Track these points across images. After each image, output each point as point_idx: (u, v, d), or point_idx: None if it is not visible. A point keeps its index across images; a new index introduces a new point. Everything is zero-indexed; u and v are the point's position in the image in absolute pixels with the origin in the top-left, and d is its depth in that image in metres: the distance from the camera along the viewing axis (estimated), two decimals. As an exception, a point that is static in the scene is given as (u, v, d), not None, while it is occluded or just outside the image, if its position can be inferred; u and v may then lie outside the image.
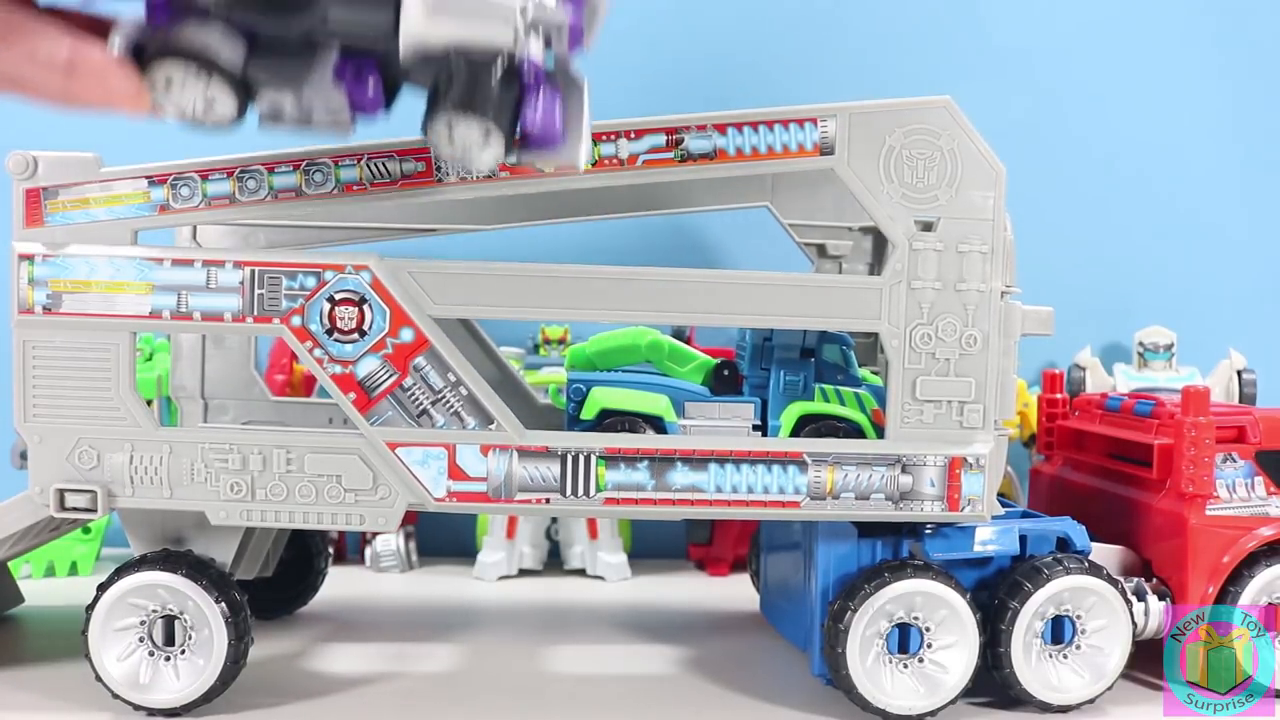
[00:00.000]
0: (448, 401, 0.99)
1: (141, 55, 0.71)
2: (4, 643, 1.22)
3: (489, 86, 0.76)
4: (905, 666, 1.03)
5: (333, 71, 0.76)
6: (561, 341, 1.62)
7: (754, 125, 1.00)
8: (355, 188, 1.00)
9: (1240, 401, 1.65)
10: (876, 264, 1.27)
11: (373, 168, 0.99)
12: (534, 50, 0.77)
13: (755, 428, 1.10)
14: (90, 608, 0.99)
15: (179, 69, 0.72)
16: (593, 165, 0.87)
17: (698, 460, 1.01)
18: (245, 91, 0.75)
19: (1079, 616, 1.06)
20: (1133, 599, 1.09)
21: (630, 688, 1.13)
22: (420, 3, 0.73)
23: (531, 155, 0.82)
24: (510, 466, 0.99)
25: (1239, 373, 1.68)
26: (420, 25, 0.73)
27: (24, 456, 1.02)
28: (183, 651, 0.99)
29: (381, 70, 0.78)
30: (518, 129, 0.79)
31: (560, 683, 1.15)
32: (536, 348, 1.63)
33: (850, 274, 1.32)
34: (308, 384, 1.56)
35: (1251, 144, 1.85)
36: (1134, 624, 1.07)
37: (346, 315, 0.97)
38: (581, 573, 1.57)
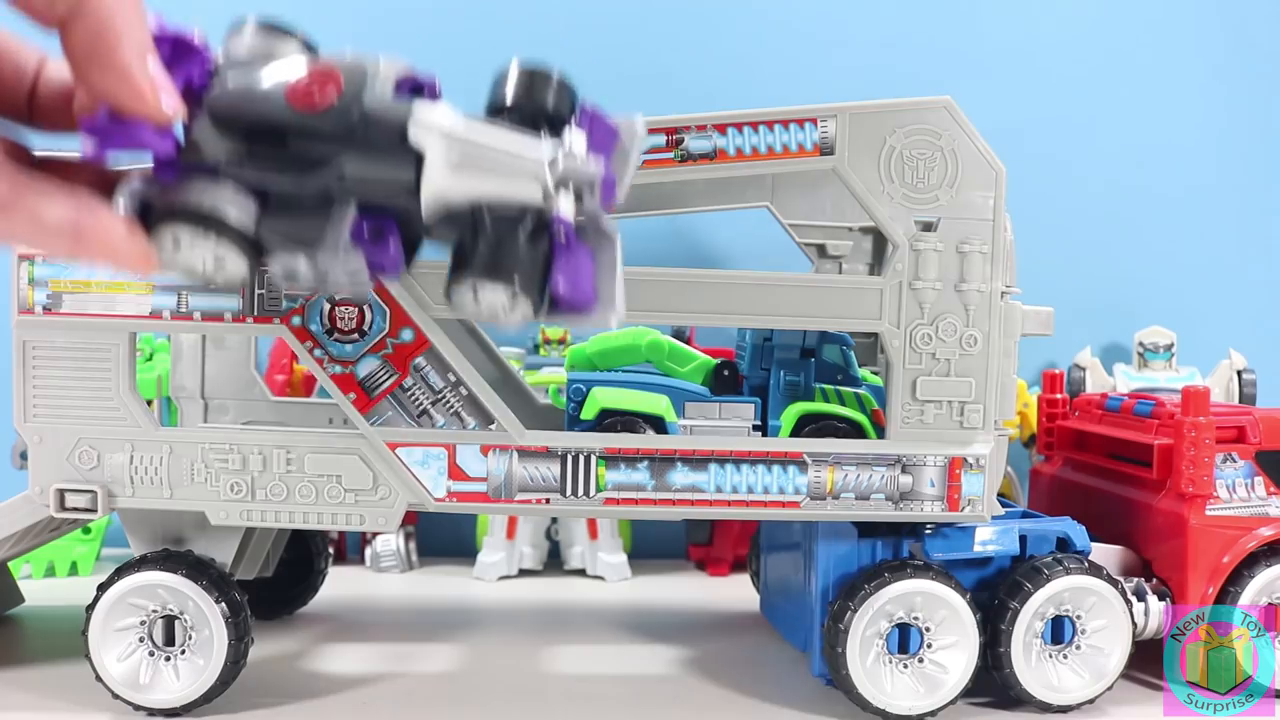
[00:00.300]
0: (448, 401, 0.99)
1: (148, 213, 0.67)
2: (4, 643, 1.22)
3: (516, 246, 0.72)
4: (905, 666, 1.03)
5: (350, 230, 0.70)
6: (561, 341, 1.62)
7: (754, 125, 1.00)
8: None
9: (1240, 401, 1.65)
10: (876, 264, 1.27)
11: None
12: (564, 207, 0.71)
13: (755, 428, 1.10)
14: (90, 608, 0.99)
15: (187, 231, 0.68)
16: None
17: (698, 460, 1.01)
18: (257, 250, 0.70)
19: (1079, 616, 1.06)
20: (1133, 599, 1.09)
21: (630, 688, 1.13)
22: (444, 158, 0.68)
23: (561, 318, 0.77)
24: (510, 466, 0.99)
25: (1239, 373, 1.68)
26: (444, 182, 0.68)
27: (24, 456, 1.03)
28: (183, 651, 0.99)
29: (401, 227, 0.72)
30: (547, 289, 0.74)
31: (560, 683, 1.15)
32: (536, 348, 1.63)
33: (850, 274, 1.32)
34: (308, 384, 1.56)
35: (1251, 144, 1.85)
36: (1134, 624, 1.07)
37: (347, 315, 0.97)
38: (581, 573, 1.57)
